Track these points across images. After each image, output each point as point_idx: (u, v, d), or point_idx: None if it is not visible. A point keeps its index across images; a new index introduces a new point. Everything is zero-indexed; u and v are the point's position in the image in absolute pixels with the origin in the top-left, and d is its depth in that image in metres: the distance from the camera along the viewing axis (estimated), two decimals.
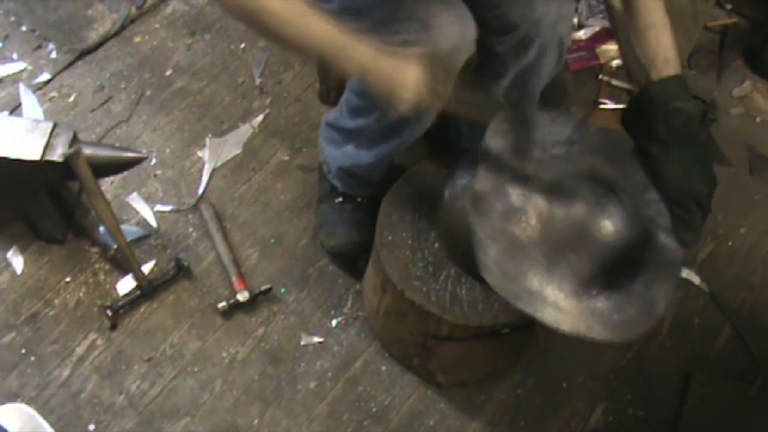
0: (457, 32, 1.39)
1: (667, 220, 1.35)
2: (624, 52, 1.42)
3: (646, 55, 1.36)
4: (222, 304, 1.78)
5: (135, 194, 1.96)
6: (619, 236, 1.32)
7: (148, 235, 1.90)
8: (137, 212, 1.94)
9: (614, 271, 1.32)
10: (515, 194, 1.34)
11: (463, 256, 1.53)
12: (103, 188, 1.95)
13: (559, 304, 1.31)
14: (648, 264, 1.35)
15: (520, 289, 1.30)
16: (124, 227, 1.86)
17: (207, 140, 2.06)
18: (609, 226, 1.31)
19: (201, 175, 2.01)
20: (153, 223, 1.92)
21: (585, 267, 1.31)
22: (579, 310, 1.32)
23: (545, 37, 1.57)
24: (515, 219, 1.32)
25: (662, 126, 1.33)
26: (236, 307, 1.80)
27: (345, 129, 1.70)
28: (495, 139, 1.38)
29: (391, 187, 1.64)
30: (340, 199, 1.84)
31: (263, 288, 1.81)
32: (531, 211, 1.33)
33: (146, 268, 1.85)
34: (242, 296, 1.79)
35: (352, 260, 1.87)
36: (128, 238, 1.82)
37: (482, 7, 1.48)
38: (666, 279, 1.35)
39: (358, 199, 1.84)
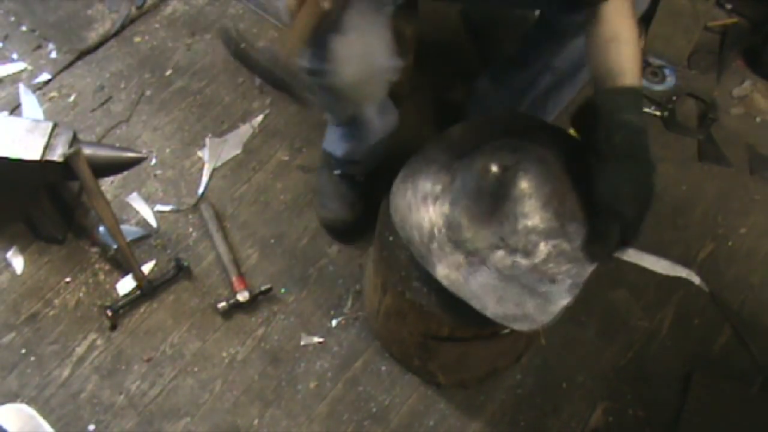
0: None
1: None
2: (587, 61, 1.40)
3: (605, 64, 1.34)
4: (222, 304, 1.78)
5: (135, 194, 1.96)
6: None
7: (148, 235, 1.90)
8: (137, 212, 1.94)
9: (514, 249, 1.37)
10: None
11: None
12: (103, 188, 1.95)
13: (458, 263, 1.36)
14: (555, 266, 1.36)
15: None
16: (124, 227, 1.87)
17: (207, 140, 2.06)
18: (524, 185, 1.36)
19: (201, 175, 2.01)
20: (153, 223, 1.92)
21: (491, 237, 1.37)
22: (475, 280, 1.35)
23: None
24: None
25: (603, 137, 1.31)
26: (236, 307, 1.80)
27: (331, 123, 1.77)
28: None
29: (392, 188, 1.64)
30: (338, 172, 1.87)
31: (263, 288, 1.81)
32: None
33: (146, 268, 1.85)
34: (242, 296, 1.79)
35: (341, 234, 1.92)
36: (128, 238, 1.81)
37: None
38: (568, 287, 1.35)
39: (356, 177, 1.87)
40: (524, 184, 1.36)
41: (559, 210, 1.38)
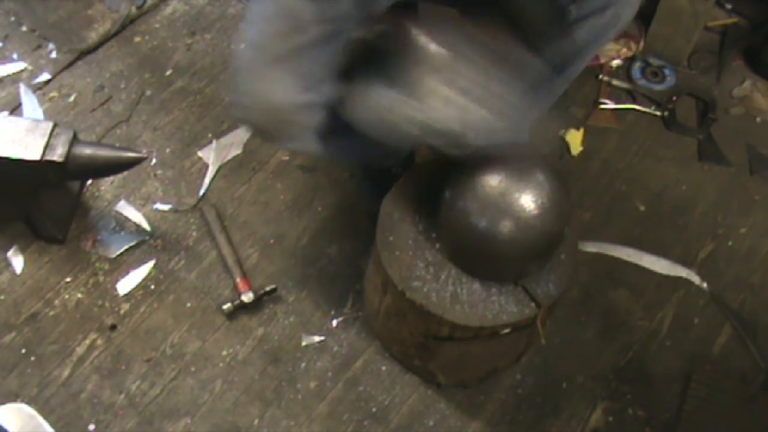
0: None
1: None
2: None
3: None
4: (227, 306, 1.77)
5: (123, 202, 1.95)
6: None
7: (143, 240, 1.90)
8: (133, 217, 1.94)
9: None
10: None
11: (465, 256, 1.53)
12: (103, 188, 1.96)
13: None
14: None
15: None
16: (120, 236, 1.88)
17: (214, 142, 2.06)
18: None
19: (201, 175, 2.01)
20: (146, 227, 1.92)
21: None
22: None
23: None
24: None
25: None
26: (240, 309, 1.80)
27: None
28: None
29: (392, 188, 1.64)
30: (373, 171, 1.87)
31: (268, 288, 1.80)
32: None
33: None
34: (247, 297, 1.78)
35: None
36: (123, 246, 1.84)
37: None
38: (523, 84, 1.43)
39: (392, 170, 1.84)
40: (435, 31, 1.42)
41: (476, 38, 1.43)
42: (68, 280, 1.84)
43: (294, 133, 1.46)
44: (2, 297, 1.81)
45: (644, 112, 2.22)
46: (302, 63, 1.39)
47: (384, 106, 1.41)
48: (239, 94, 1.42)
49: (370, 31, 1.43)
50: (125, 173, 1.93)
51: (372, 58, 1.45)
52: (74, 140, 1.67)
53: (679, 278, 1.94)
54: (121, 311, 1.80)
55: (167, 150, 2.05)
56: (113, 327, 1.78)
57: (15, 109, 2.09)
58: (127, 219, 1.93)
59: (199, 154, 2.05)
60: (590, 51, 1.64)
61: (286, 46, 1.37)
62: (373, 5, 1.37)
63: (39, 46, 2.22)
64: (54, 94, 2.13)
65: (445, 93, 1.39)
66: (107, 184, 1.97)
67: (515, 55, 1.45)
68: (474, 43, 1.42)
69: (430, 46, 1.40)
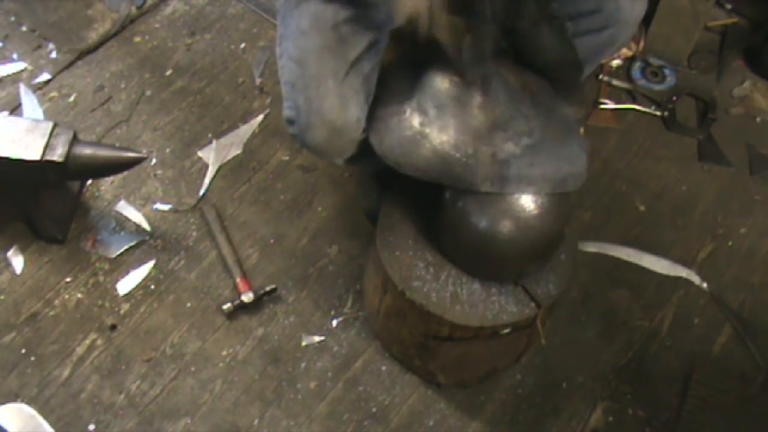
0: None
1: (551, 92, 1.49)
2: None
3: None
4: (227, 306, 1.78)
5: (123, 202, 1.95)
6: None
7: (143, 240, 1.90)
8: (133, 217, 1.94)
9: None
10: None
11: (465, 256, 1.53)
12: (103, 188, 1.96)
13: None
14: (556, 129, 1.46)
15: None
16: (120, 236, 1.88)
17: (214, 142, 2.06)
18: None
19: (201, 175, 2.01)
20: (146, 227, 1.92)
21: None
22: (511, 172, 1.41)
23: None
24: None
25: (533, 6, 1.41)
26: (240, 309, 1.80)
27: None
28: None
29: (392, 188, 1.64)
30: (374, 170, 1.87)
31: (268, 288, 1.80)
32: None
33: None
34: (247, 297, 1.78)
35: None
36: (123, 246, 1.84)
37: None
38: (575, 141, 1.47)
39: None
40: (481, 80, 1.43)
41: (519, 87, 1.46)
42: (68, 280, 1.84)
43: (348, 148, 1.49)
44: (2, 297, 1.81)
45: (644, 112, 2.22)
46: (356, 79, 1.43)
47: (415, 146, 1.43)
48: (298, 111, 1.43)
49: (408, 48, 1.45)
50: (125, 173, 1.93)
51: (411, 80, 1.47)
52: (74, 140, 1.67)
53: (679, 278, 1.94)
54: (121, 311, 1.80)
55: (167, 150, 2.05)
56: (113, 327, 1.78)
57: (15, 109, 2.09)
58: (127, 219, 1.93)
59: (199, 154, 2.05)
60: (585, 69, 1.66)
61: (339, 61, 1.42)
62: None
63: (39, 46, 2.22)
64: (54, 94, 2.13)
65: (511, 149, 1.42)
66: (107, 184, 1.97)
67: (553, 104, 1.49)
68: (517, 92, 1.45)
69: (485, 99, 1.42)
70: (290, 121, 1.47)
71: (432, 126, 1.43)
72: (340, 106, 1.42)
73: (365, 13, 1.43)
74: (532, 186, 1.41)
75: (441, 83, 1.43)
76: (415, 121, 1.44)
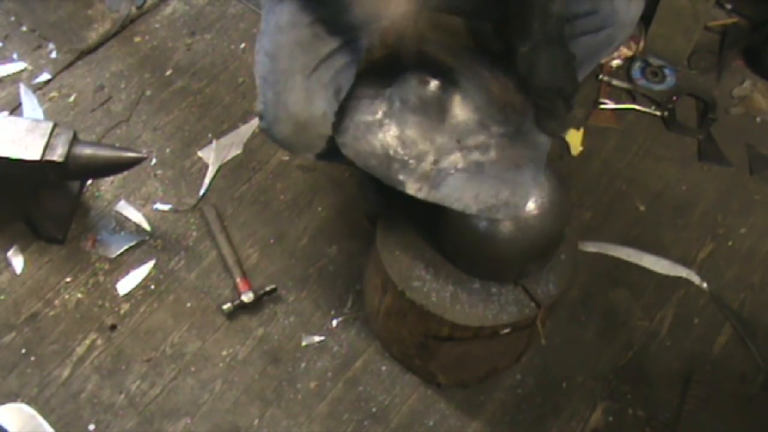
0: None
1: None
2: None
3: None
4: (227, 306, 1.77)
5: (123, 202, 1.95)
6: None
7: (143, 240, 1.90)
8: (133, 217, 1.94)
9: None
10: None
11: (465, 256, 1.53)
12: (103, 188, 1.96)
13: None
14: (518, 154, 1.43)
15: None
16: (120, 236, 1.88)
17: (214, 142, 2.06)
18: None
19: (201, 175, 2.01)
20: (146, 227, 1.92)
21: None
22: (447, 185, 1.40)
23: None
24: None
25: (538, 27, 1.37)
26: (240, 308, 1.80)
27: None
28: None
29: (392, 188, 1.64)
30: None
31: (268, 288, 1.80)
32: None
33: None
34: (247, 297, 1.78)
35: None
36: (123, 246, 1.84)
37: None
38: (532, 170, 1.42)
39: None
40: (462, 87, 1.40)
41: (499, 102, 1.42)
42: (68, 280, 1.84)
43: (316, 143, 1.49)
44: (2, 297, 1.81)
45: (644, 112, 2.22)
46: (325, 74, 1.43)
47: (380, 157, 1.42)
48: (266, 105, 1.43)
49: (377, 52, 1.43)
50: (125, 173, 1.93)
51: (382, 83, 1.46)
52: (74, 140, 1.67)
53: (679, 278, 1.94)
54: (121, 311, 1.80)
55: (167, 150, 2.05)
56: (113, 327, 1.78)
57: (15, 109, 2.09)
58: (127, 219, 1.93)
59: (199, 154, 2.05)
60: (582, 70, 1.65)
61: (309, 57, 1.41)
62: (377, 23, 1.38)
63: (39, 46, 2.22)
64: (54, 94, 2.13)
65: (457, 161, 1.41)
66: (107, 184, 1.97)
67: (528, 127, 1.45)
68: (494, 107, 1.42)
69: (455, 106, 1.41)
70: (260, 116, 1.48)
71: (392, 118, 1.42)
72: (305, 100, 1.42)
73: (345, 15, 1.43)
74: (459, 203, 1.39)
75: (417, 81, 1.41)
76: (380, 109, 1.43)
